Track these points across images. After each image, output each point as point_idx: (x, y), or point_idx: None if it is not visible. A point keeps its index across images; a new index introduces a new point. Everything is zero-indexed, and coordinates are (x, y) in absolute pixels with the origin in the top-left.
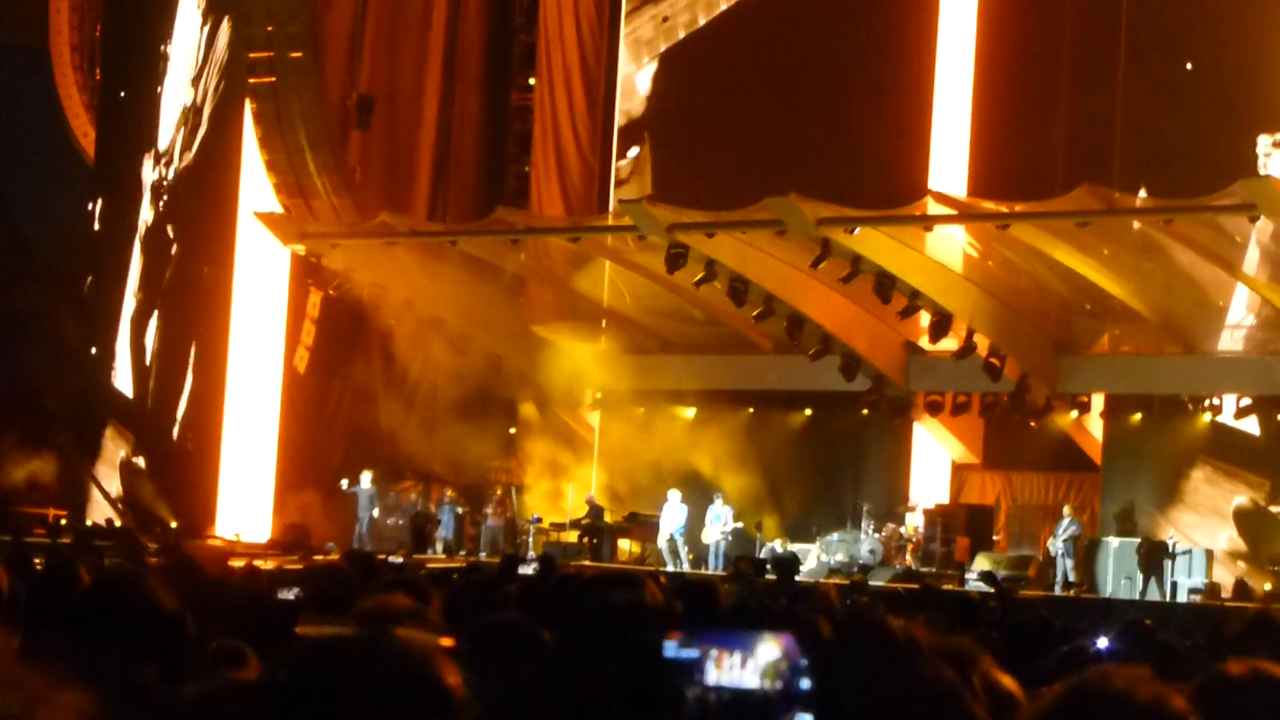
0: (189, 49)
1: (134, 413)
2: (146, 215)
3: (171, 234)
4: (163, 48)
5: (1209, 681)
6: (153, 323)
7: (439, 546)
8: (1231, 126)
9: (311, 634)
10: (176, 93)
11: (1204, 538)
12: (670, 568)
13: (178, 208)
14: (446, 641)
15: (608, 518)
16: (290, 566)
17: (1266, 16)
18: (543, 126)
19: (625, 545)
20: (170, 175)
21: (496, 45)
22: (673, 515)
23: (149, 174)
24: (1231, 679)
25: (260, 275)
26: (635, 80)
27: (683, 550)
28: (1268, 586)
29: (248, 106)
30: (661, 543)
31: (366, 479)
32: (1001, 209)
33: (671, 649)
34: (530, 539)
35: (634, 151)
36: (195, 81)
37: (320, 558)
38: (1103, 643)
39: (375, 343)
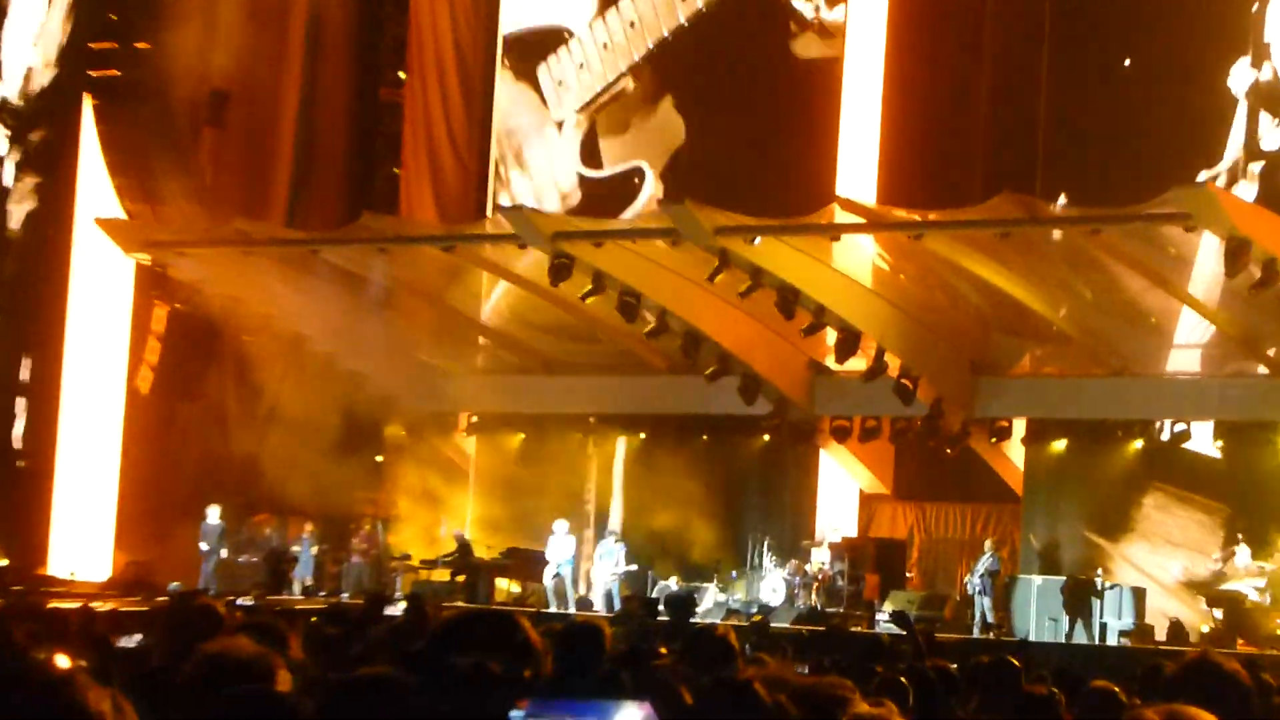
0: (21, 41)
1: None
2: None
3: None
4: None
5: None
6: None
7: (297, 586)
8: (1170, 130)
9: None
10: (6, 84)
11: (1157, 569)
12: (554, 608)
13: (6, 211)
14: (66, 661)
15: (484, 553)
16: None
17: (1211, 7)
18: (414, 125)
19: (504, 584)
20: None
21: (363, 36)
22: (560, 548)
23: None
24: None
25: (100, 287)
26: None
27: (570, 589)
28: (1205, 628)
29: (87, 102)
30: (547, 579)
31: (214, 513)
32: (914, 218)
33: None
34: (399, 578)
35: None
36: (27, 75)
37: (164, 599)
38: None
39: (228, 362)
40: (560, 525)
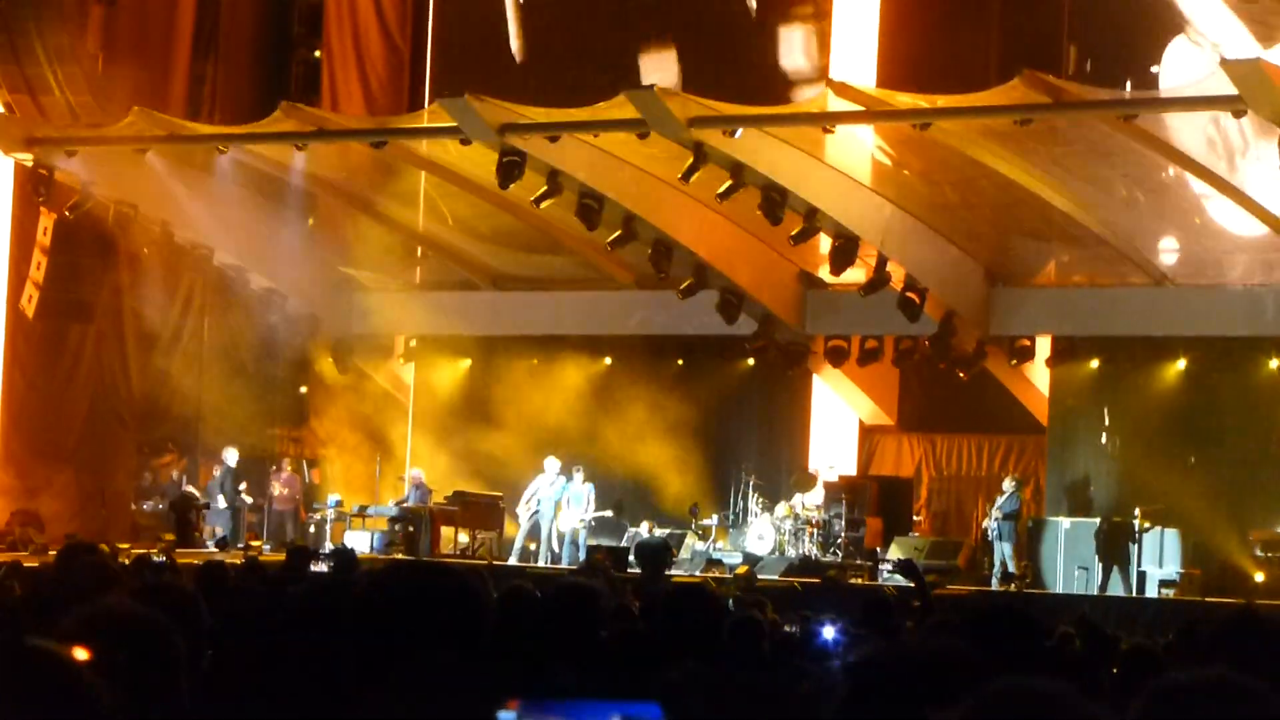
0: None
1: None
2: None
3: None
4: None
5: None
6: None
7: (209, 538)
8: None
9: None
10: None
11: (1205, 510)
12: (515, 558)
13: None
14: (82, 652)
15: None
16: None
17: None
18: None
19: (449, 533)
20: None
21: None
22: (546, 488)
23: None
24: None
25: None
26: None
27: (545, 538)
28: (1259, 577)
29: None
30: (523, 519)
31: (233, 456)
32: (920, 104)
33: None
34: (328, 528)
35: None
36: None
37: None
38: (829, 633)
39: (124, 278)
40: (551, 463)
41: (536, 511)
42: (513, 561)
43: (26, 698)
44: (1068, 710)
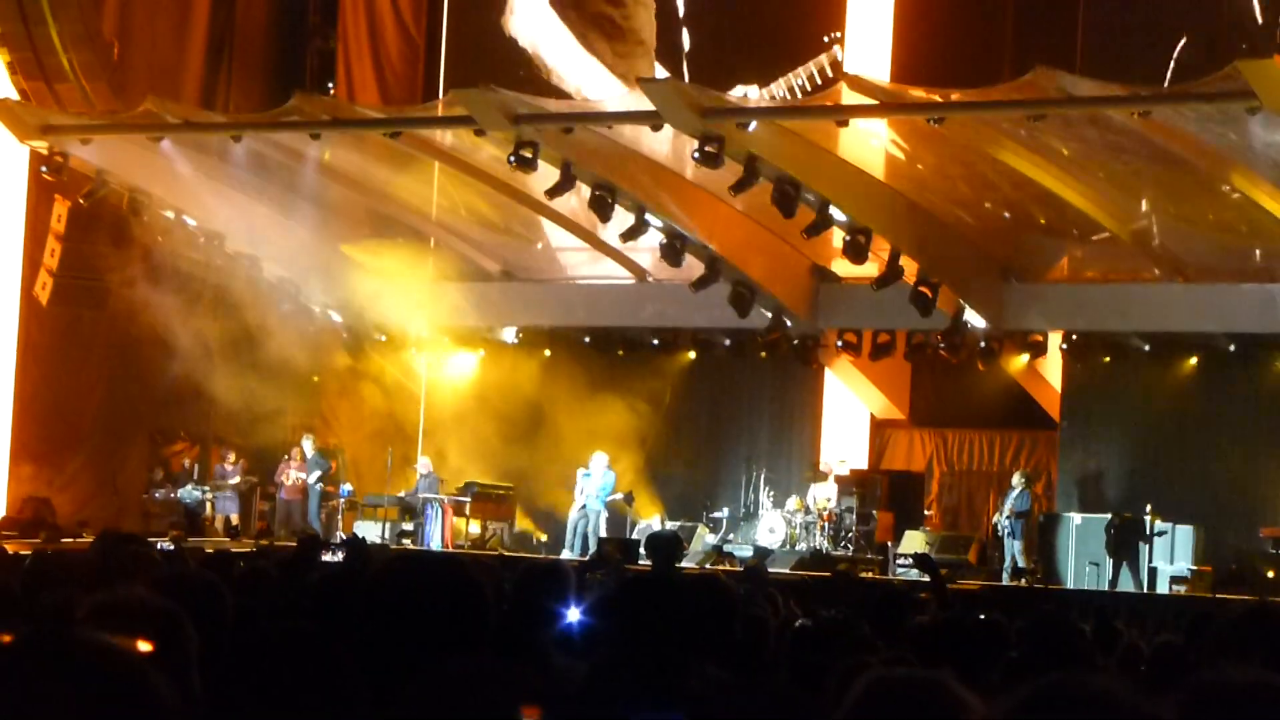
0: None
1: None
2: None
3: None
4: None
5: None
6: None
7: (220, 526)
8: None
9: None
10: None
11: (1218, 507)
12: (569, 552)
13: None
14: (145, 645)
15: (441, 490)
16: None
17: None
18: None
19: (460, 525)
20: None
21: None
22: (595, 483)
23: None
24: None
25: None
26: None
27: (593, 533)
28: (1271, 573)
29: None
30: (573, 517)
31: (310, 444)
32: (934, 98)
33: None
34: (339, 517)
35: None
36: None
37: (70, 540)
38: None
39: (137, 266)
40: (599, 459)
41: (584, 508)
42: (566, 554)
43: (80, 696)
44: (1124, 708)
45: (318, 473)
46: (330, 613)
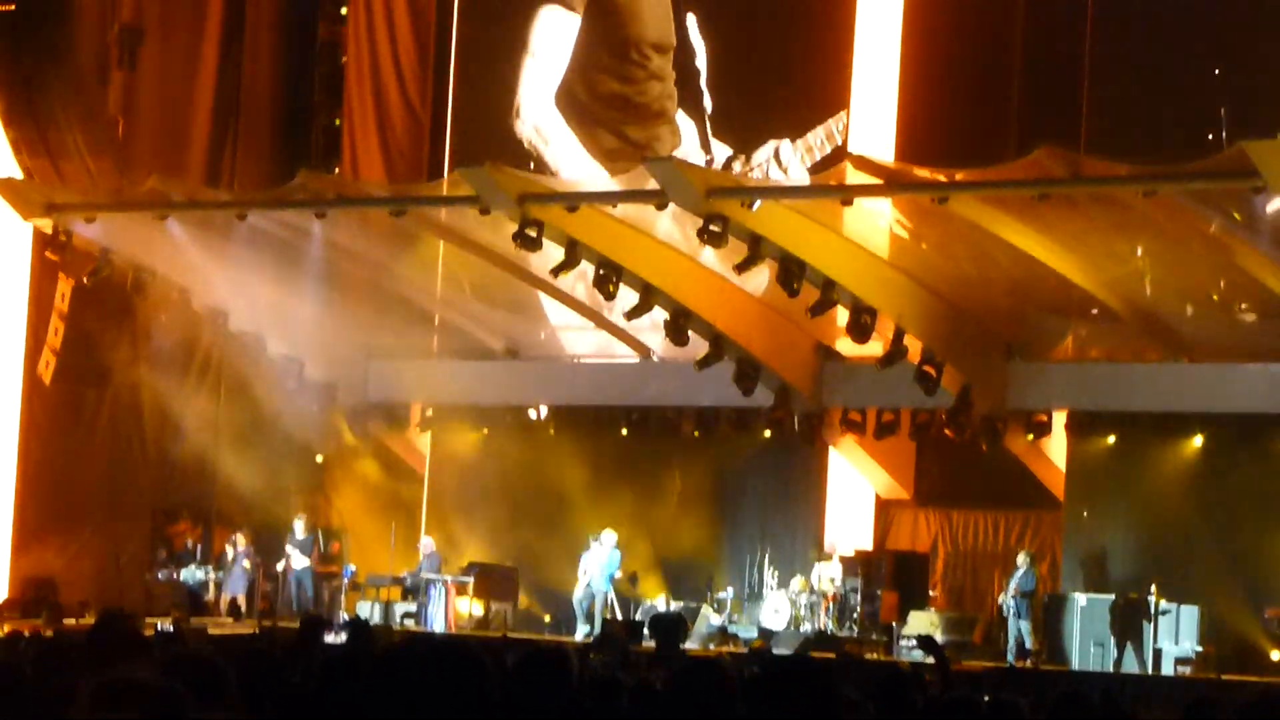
0: None
1: None
2: None
3: None
4: None
5: None
6: None
7: (224, 607)
8: (1235, 74)
9: None
10: None
11: (1223, 588)
12: (582, 634)
13: None
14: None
15: (443, 569)
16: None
17: None
18: (358, 68)
19: (465, 606)
20: None
21: None
22: (599, 562)
23: None
24: None
25: None
26: None
27: (599, 612)
28: (1276, 654)
29: None
30: (578, 598)
31: (300, 526)
32: (939, 178)
33: None
34: (342, 597)
35: None
36: None
37: (72, 621)
38: None
39: (141, 345)
40: (608, 536)
41: (590, 588)
42: (582, 633)
43: None
44: None
45: (305, 561)
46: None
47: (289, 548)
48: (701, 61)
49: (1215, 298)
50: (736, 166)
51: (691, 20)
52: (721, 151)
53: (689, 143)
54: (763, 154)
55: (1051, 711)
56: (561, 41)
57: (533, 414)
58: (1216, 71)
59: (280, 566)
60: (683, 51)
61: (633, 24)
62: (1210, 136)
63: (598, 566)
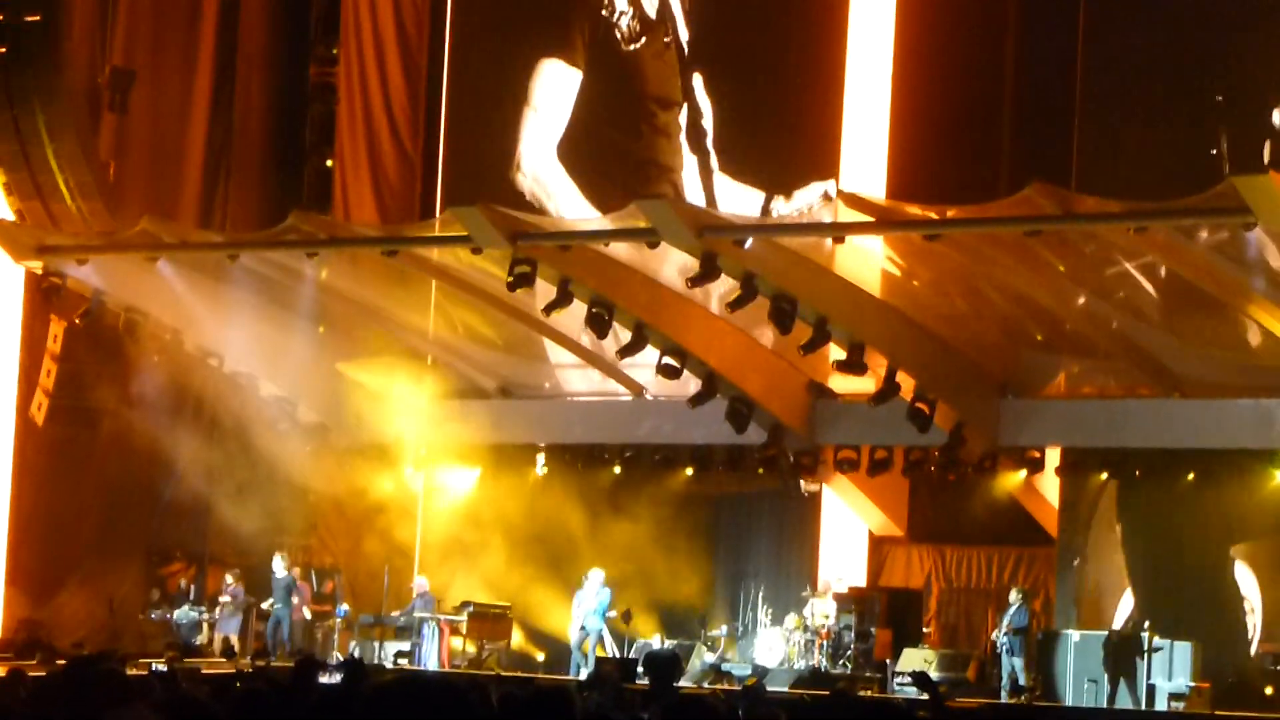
0: None
1: None
2: None
3: None
4: None
5: None
6: None
7: (217, 647)
8: (1224, 108)
9: None
10: None
11: (1216, 624)
12: (580, 671)
13: None
14: None
15: (437, 609)
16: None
17: None
18: (350, 109)
19: (459, 645)
20: None
21: (289, 4)
22: (590, 600)
23: None
24: None
25: None
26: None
27: (593, 649)
28: (1270, 690)
29: None
30: (573, 636)
31: (280, 564)
32: (930, 215)
33: None
34: (335, 637)
35: None
36: None
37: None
38: None
39: (134, 386)
40: (596, 575)
41: (584, 629)
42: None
43: None
44: None
45: (279, 604)
46: None
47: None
48: (708, 121)
49: (1206, 333)
50: (779, 207)
51: (698, 79)
52: (730, 199)
53: (694, 197)
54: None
55: None
56: (563, 96)
57: (506, 455)
58: (1220, 99)
59: (266, 605)
60: (690, 109)
61: (637, 79)
62: (1214, 151)
63: (588, 605)
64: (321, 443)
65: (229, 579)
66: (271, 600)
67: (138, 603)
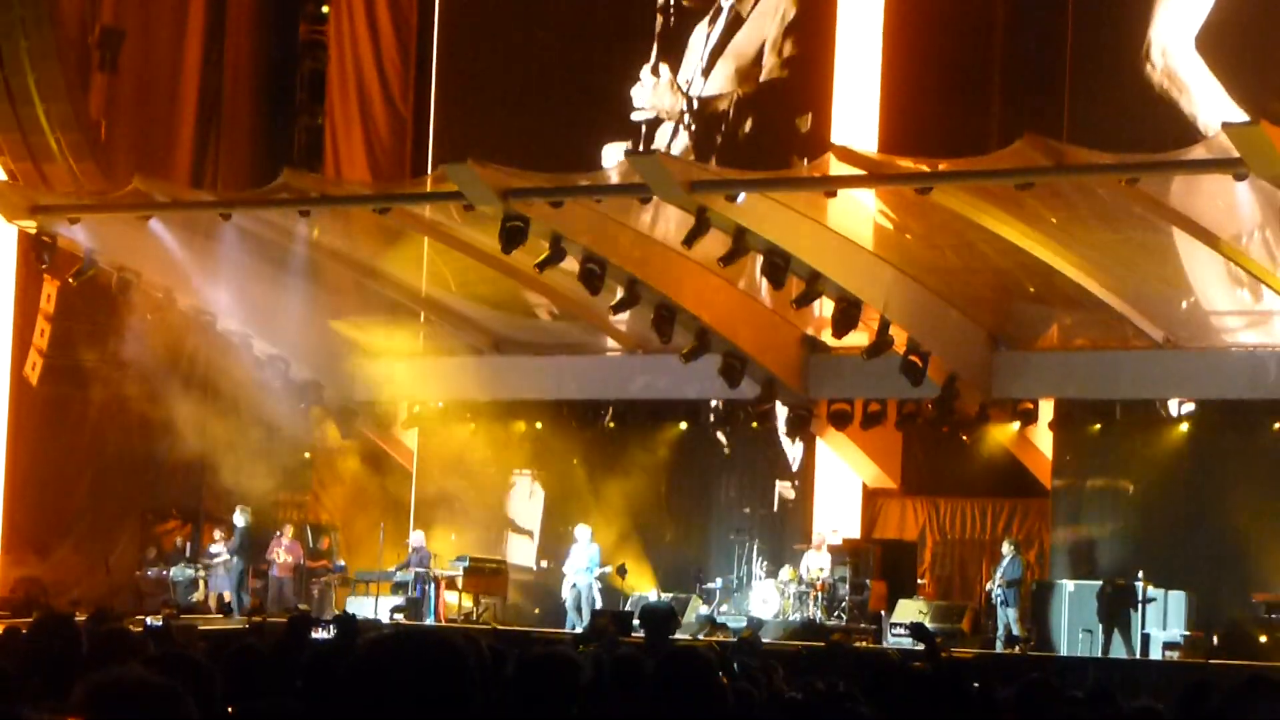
0: None
1: None
2: None
3: None
4: None
5: None
6: None
7: (213, 603)
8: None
9: None
10: None
11: (1209, 573)
12: (574, 624)
13: None
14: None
15: (433, 564)
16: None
17: None
18: (340, 67)
19: (454, 600)
20: None
21: None
22: (580, 557)
23: None
24: None
25: None
26: None
27: (585, 604)
28: (1264, 639)
29: None
30: (566, 593)
31: (242, 517)
32: (922, 168)
33: None
34: (331, 594)
35: None
36: None
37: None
38: None
39: (127, 345)
40: (583, 531)
41: (575, 586)
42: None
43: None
44: None
45: (230, 555)
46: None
47: (283, 546)
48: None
49: (1200, 284)
50: None
51: None
52: None
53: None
54: None
55: (1019, 696)
56: None
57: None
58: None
59: (277, 559)
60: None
61: None
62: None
63: (578, 563)
64: (315, 400)
65: (217, 535)
66: (231, 554)
67: (134, 561)
